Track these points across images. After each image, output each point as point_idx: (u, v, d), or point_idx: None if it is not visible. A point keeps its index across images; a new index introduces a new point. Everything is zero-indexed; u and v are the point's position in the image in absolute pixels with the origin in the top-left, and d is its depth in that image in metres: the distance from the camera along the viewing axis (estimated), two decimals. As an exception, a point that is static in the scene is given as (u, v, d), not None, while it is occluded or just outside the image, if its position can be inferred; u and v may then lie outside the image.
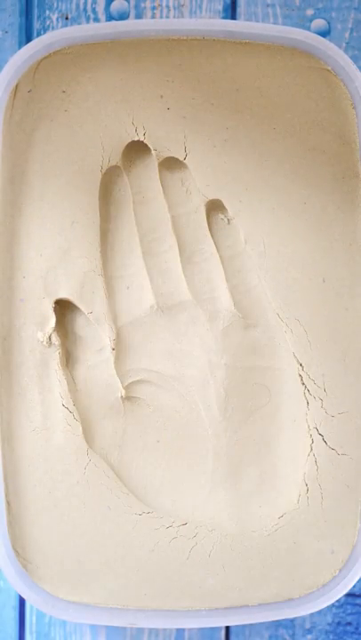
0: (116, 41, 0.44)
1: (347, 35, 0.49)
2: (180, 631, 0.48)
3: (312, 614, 0.48)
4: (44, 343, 0.43)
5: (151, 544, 0.43)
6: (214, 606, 0.43)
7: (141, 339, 0.44)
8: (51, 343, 0.43)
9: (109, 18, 0.49)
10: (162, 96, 0.44)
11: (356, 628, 0.48)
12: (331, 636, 0.48)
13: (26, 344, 0.43)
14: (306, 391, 0.43)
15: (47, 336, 0.43)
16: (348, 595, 0.49)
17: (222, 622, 0.43)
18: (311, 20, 0.49)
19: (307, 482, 0.43)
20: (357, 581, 0.44)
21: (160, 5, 0.49)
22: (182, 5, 0.49)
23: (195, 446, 0.44)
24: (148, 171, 0.44)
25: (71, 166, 0.43)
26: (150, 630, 0.48)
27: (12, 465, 0.43)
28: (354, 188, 0.44)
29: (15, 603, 0.48)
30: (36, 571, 0.43)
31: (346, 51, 0.48)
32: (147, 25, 0.43)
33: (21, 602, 0.49)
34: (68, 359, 0.44)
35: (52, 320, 0.43)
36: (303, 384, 0.43)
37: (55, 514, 0.43)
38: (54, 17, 0.49)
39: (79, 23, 0.49)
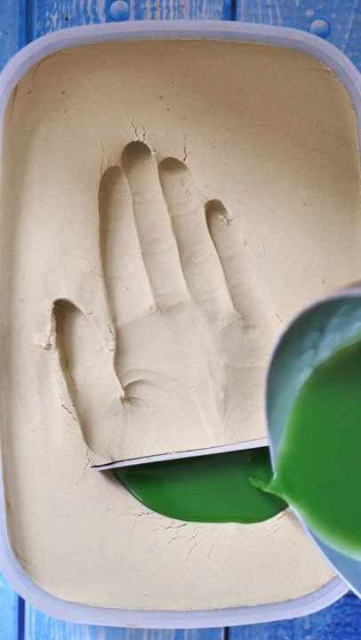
0: (116, 42, 0.44)
1: (346, 36, 0.49)
2: (179, 632, 0.48)
3: (311, 615, 0.48)
4: (44, 347, 0.43)
5: (150, 545, 0.43)
6: (213, 607, 0.43)
7: (141, 339, 0.44)
8: (50, 346, 0.43)
9: (109, 19, 0.49)
10: (161, 97, 0.44)
11: (356, 629, 0.48)
12: (330, 637, 0.48)
13: (25, 345, 0.43)
14: (305, 392, 0.43)
15: (46, 340, 0.43)
16: (348, 595, 0.49)
17: (221, 623, 0.43)
18: (311, 21, 0.49)
19: (306, 483, 0.43)
20: (357, 582, 0.44)
21: (160, 6, 0.49)
22: (182, 6, 0.49)
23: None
24: (148, 171, 0.45)
25: (71, 167, 0.43)
26: (150, 631, 0.48)
27: (12, 466, 0.43)
28: (353, 188, 0.44)
29: (14, 603, 0.48)
30: (35, 571, 0.43)
31: (346, 52, 0.48)
32: (147, 26, 0.43)
33: (21, 602, 0.49)
34: (68, 360, 0.44)
35: (51, 324, 0.43)
36: (303, 385, 0.43)
37: (54, 514, 0.43)
38: (54, 18, 0.49)
39: (79, 24, 0.49)
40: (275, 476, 0.35)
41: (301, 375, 0.35)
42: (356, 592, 0.34)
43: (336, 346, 0.35)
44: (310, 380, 0.35)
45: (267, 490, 0.36)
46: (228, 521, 0.44)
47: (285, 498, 0.35)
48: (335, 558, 0.35)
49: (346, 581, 0.34)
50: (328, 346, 0.35)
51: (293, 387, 0.35)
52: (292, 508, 0.35)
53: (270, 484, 0.35)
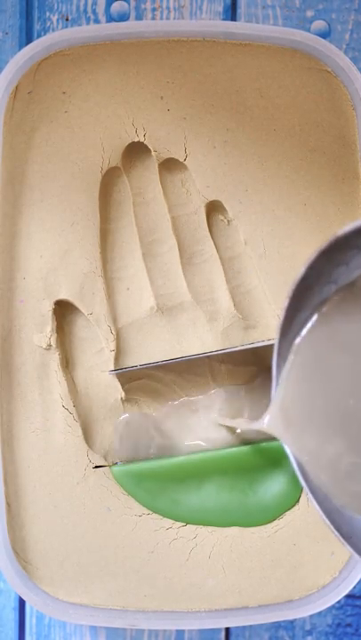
0: (117, 42, 0.44)
1: (347, 36, 0.49)
2: (179, 632, 0.48)
3: (312, 616, 0.48)
4: (44, 347, 0.43)
5: (151, 545, 0.43)
6: (214, 607, 0.43)
7: (141, 340, 0.44)
8: (50, 346, 0.43)
9: (110, 19, 0.49)
10: (162, 97, 0.44)
11: (356, 630, 0.48)
12: (331, 638, 0.48)
13: (26, 345, 0.43)
14: (306, 392, 0.43)
15: (47, 341, 0.43)
16: (348, 596, 0.49)
17: (222, 623, 0.43)
18: (311, 22, 0.49)
19: (307, 483, 0.43)
20: (357, 583, 0.44)
21: (160, 7, 0.49)
22: (182, 7, 0.49)
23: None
24: (149, 172, 0.45)
25: (71, 167, 0.43)
26: (150, 631, 0.48)
27: (12, 466, 0.43)
28: (354, 189, 0.44)
29: (15, 604, 0.48)
30: (35, 572, 0.43)
31: (346, 52, 0.48)
32: (147, 26, 0.43)
33: (21, 603, 0.49)
34: (68, 360, 0.44)
35: (51, 324, 0.43)
36: (303, 385, 0.43)
37: (55, 515, 0.43)
38: (55, 18, 0.49)
39: (79, 24, 0.49)
40: (271, 412, 0.34)
41: (318, 309, 0.35)
42: (351, 550, 0.33)
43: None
44: (322, 315, 0.35)
45: (255, 426, 0.34)
46: (230, 526, 0.44)
47: (280, 436, 0.34)
48: (330, 511, 0.34)
49: (345, 544, 0.33)
50: (348, 283, 0.35)
51: (308, 319, 0.35)
52: (287, 452, 0.34)
53: (266, 421, 0.34)
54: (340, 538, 0.33)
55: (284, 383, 0.34)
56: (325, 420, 0.34)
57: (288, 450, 0.34)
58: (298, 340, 0.35)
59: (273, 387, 0.35)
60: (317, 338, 0.35)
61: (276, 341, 0.34)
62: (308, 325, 0.35)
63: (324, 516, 0.33)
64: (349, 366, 0.35)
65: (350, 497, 0.34)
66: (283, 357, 0.34)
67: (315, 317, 0.35)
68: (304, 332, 0.35)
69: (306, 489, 0.34)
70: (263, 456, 0.43)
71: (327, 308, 0.35)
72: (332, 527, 0.33)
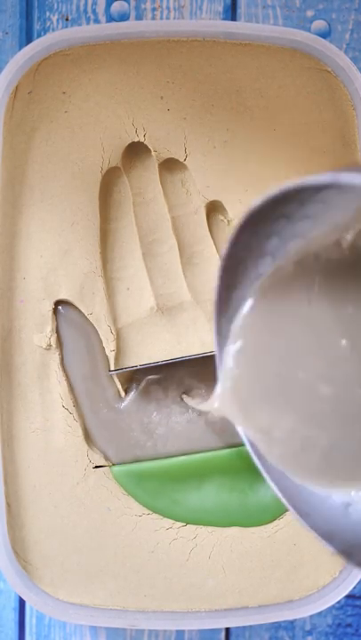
0: (117, 42, 0.44)
1: (347, 36, 0.49)
2: (179, 632, 0.48)
3: (312, 616, 0.48)
4: (44, 347, 0.43)
5: (151, 545, 0.43)
6: (214, 608, 0.43)
7: (141, 340, 0.44)
8: (50, 346, 0.43)
9: (110, 19, 0.49)
10: (162, 97, 0.44)
11: (357, 630, 0.48)
12: (331, 638, 0.48)
13: (26, 345, 0.43)
14: (306, 392, 0.43)
15: (47, 341, 0.43)
16: (349, 596, 0.49)
17: (222, 624, 0.43)
18: (311, 22, 0.49)
19: (307, 483, 0.43)
20: (357, 583, 0.44)
21: (160, 7, 0.49)
22: (182, 6, 0.49)
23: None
24: (149, 172, 0.45)
25: (71, 167, 0.43)
26: (150, 632, 0.48)
27: (12, 466, 0.43)
28: (354, 189, 0.44)
29: (15, 604, 0.48)
30: (35, 572, 0.43)
31: (346, 52, 0.48)
32: (147, 26, 0.43)
33: (21, 603, 0.49)
34: (68, 360, 0.44)
35: (51, 324, 0.43)
36: (303, 385, 0.43)
37: (55, 515, 0.43)
38: (55, 18, 0.49)
39: (79, 24, 0.49)
40: (219, 389, 0.33)
41: (256, 283, 0.34)
42: (305, 526, 0.32)
43: (293, 254, 0.34)
44: (261, 289, 0.33)
45: (203, 407, 0.33)
46: (230, 526, 0.44)
47: (230, 416, 0.33)
48: (287, 488, 0.33)
49: (302, 522, 0.32)
50: (285, 254, 0.33)
51: (247, 294, 0.34)
52: (239, 432, 0.33)
53: (216, 402, 0.33)
54: (299, 518, 0.32)
55: (228, 361, 0.33)
56: (275, 395, 0.33)
57: (240, 429, 0.33)
58: (238, 316, 0.33)
59: (217, 366, 0.33)
60: (259, 313, 0.33)
61: (214, 320, 0.32)
62: (248, 301, 0.33)
63: (280, 495, 0.32)
64: (294, 338, 0.33)
65: (307, 471, 0.33)
66: (224, 336, 0.33)
67: (253, 292, 0.33)
68: (244, 308, 0.33)
69: (261, 468, 0.33)
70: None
71: (265, 282, 0.33)
72: (289, 505, 0.32)
